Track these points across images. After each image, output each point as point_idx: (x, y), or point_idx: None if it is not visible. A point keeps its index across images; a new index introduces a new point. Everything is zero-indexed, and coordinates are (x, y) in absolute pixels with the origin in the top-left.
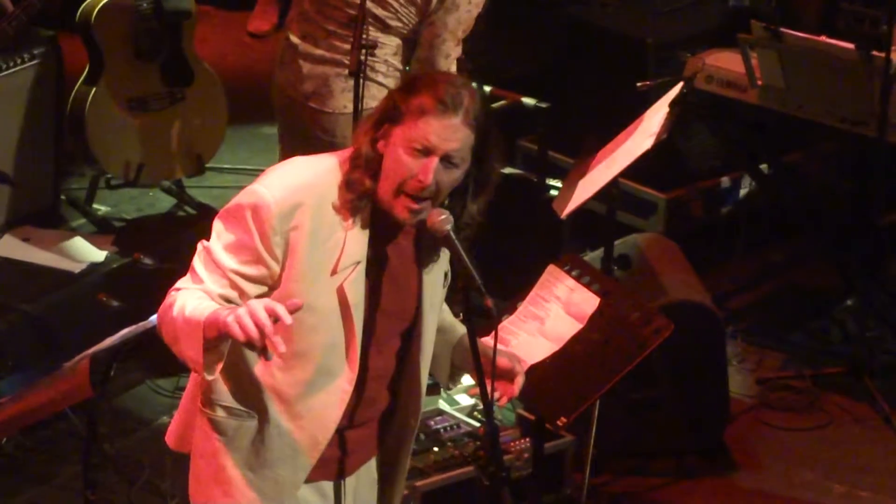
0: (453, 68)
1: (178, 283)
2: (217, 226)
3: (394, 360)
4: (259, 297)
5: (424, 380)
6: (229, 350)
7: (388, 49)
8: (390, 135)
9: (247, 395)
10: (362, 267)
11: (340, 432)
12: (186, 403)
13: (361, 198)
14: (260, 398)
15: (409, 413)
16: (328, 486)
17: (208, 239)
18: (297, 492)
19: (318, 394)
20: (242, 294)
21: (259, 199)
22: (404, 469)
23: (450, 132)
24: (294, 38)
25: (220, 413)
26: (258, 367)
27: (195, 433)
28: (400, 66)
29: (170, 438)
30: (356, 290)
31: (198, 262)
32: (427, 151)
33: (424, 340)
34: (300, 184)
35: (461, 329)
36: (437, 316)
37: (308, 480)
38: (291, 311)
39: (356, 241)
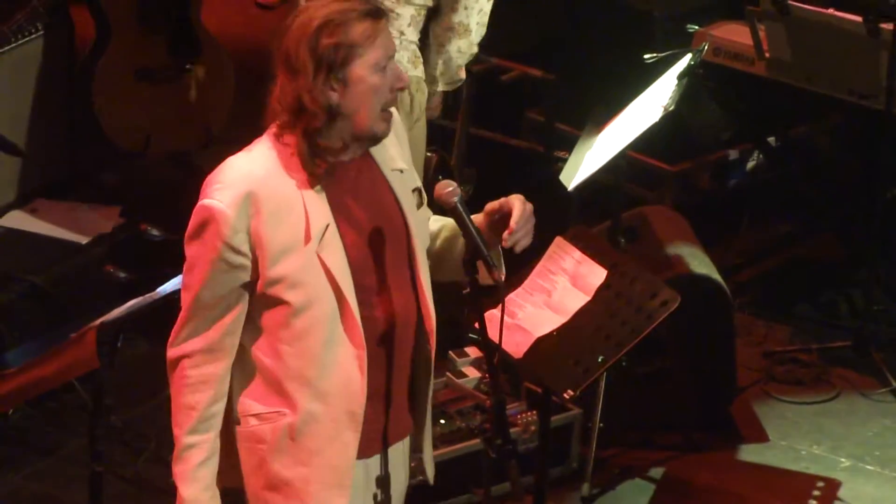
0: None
1: (177, 349)
2: (187, 254)
3: (400, 305)
4: (244, 286)
5: (430, 299)
6: (236, 357)
7: (403, 20)
8: (347, 76)
9: (269, 395)
10: (333, 227)
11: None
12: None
13: (340, 154)
14: (283, 392)
15: (426, 339)
16: (374, 462)
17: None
18: (354, 471)
19: (334, 367)
20: (229, 307)
21: (211, 210)
22: (428, 401)
23: (390, 35)
24: None
25: (253, 423)
26: (269, 363)
27: (241, 457)
28: (414, 38)
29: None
30: (335, 251)
31: (184, 306)
32: (390, 58)
33: (421, 270)
34: (241, 176)
35: (448, 221)
36: (426, 237)
37: (360, 457)
38: None
39: (317, 204)
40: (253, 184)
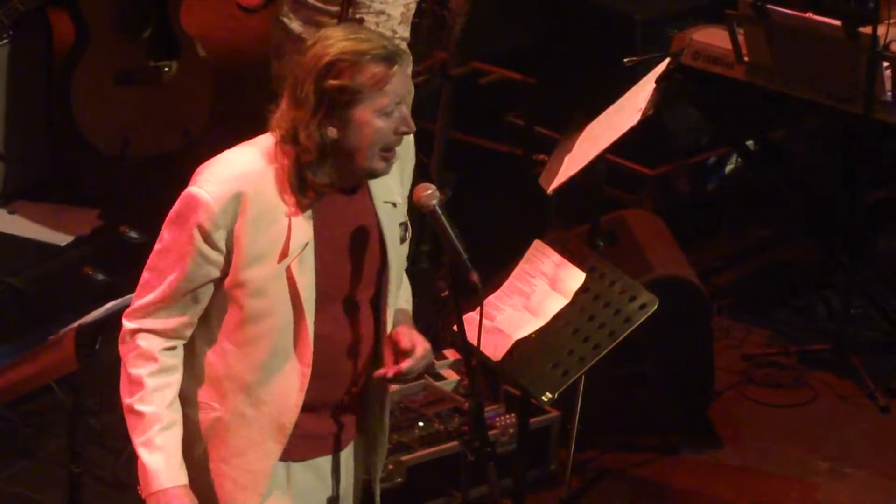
0: None
1: (135, 322)
2: (164, 235)
3: (361, 330)
4: (213, 281)
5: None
6: (185, 347)
7: (394, 20)
8: (349, 117)
9: (206, 387)
10: (310, 248)
11: (334, 406)
12: None
13: (324, 193)
14: (219, 388)
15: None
16: (324, 461)
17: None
18: (269, 478)
19: (277, 377)
20: (196, 299)
21: (197, 201)
22: (385, 433)
23: (405, 77)
24: (294, 26)
25: (197, 409)
26: (213, 358)
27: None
28: (406, 34)
29: None
30: (305, 271)
31: (151, 288)
32: (398, 104)
33: (389, 301)
34: (235, 175)
35: (403, 305)
36: (401, 271)
37: (303, 458)
38: None
39: (301, 225)
40: (245, 185)
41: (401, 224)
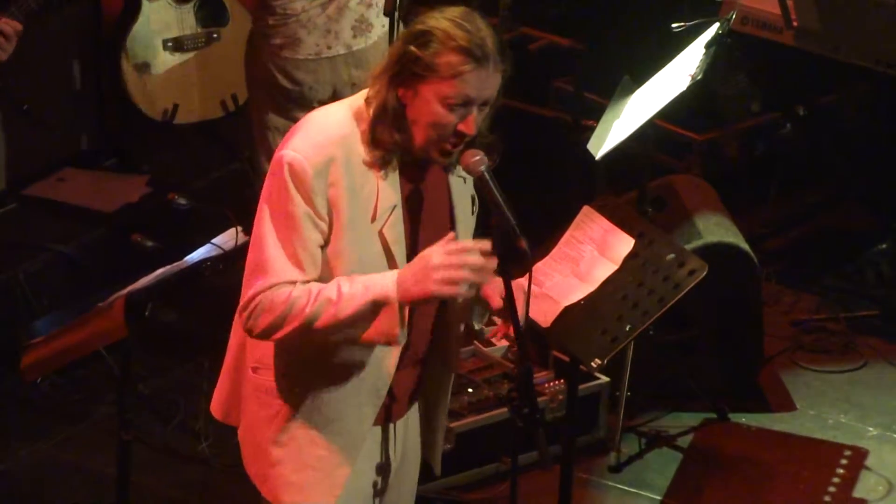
0: None
1: (260, 284)
2: (264, 211)
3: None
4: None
5: (460, 316)
6: None
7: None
8: (418, 90)
9: (303, 355)
10: (399, 210)
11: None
12: (231, 373)
13: (391, 151)
14: (318, 356)
15: (449, 352)
16: (377, 430)
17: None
18: (364, 443)
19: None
20: (315, 262)
21: (292, 164)
22: (445, 411)
23: (486, 83)
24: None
25: (278, 375)
26: None
27: (246, 403)
28: None
29: (216, 411)
30: (396, 233)
31: (270, 254)
32: (466, 104)
33: None
34: (326, 139)
35: None
36: (470, 229)
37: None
38: None
39: (388, 186)
40: (337, 150)
41: (471, 196)
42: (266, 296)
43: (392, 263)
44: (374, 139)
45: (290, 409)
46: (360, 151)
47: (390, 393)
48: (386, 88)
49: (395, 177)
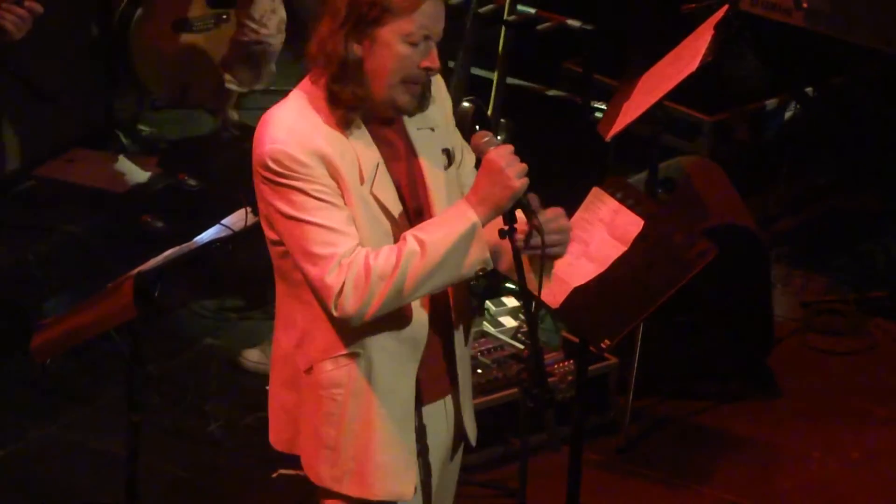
0: None
1: (333, 271)
2: (278, 208)
3: None
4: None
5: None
6: (303, 305)
7: None
8: (375, 36)
9: (342, 336)
10: (383, 165)
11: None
12: (282, 394)
13: (353, 108)
14: (356, 331)
15: (463, 317)
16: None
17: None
18: (412, 402)
19: None
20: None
21: (276, 155)
22: (470, 381)
23: (440, 13)
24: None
25: (328, 367)
26: None
27: (306, 413)
28: None
29: (278, 443)
30: (387, 189)
31: (314, 238)
32: (427, 38)
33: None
34: (293, 122)
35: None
36: (452, 194)
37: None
38: None
39: (365, 146)
40: (308, 125)
41: (443, 150)
42: (347, 276)
43: (392, 221)
44: (333, 98)
45: (350, 396)
46: (326, 123)
47: (426, 367)
48: (343, 44)
49: (366, 135)
